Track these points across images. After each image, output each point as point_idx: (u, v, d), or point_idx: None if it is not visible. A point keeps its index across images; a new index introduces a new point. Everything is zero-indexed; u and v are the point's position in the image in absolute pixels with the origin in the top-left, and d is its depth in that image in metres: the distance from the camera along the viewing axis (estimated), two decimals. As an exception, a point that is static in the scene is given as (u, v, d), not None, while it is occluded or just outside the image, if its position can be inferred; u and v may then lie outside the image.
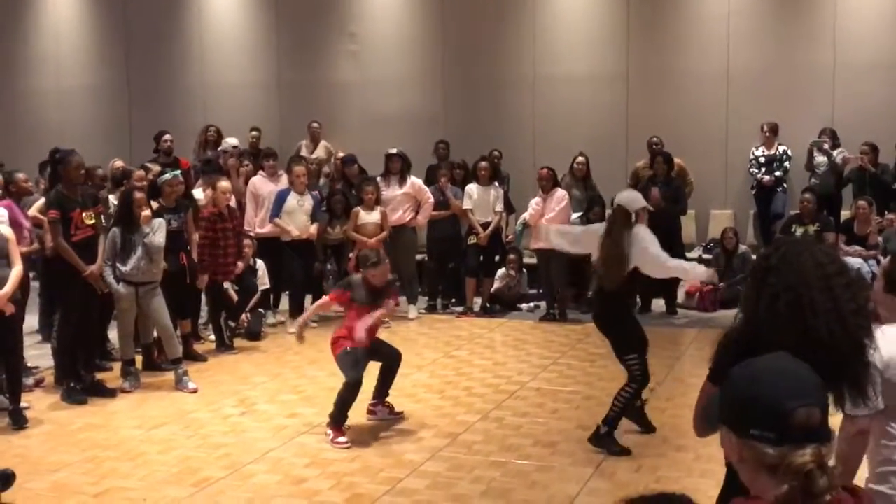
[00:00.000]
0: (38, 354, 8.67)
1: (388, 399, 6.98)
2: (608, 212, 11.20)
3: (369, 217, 10.34)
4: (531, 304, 11.22)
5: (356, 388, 6.50)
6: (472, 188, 10.98)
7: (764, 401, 1.84)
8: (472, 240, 10.90)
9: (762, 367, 1.92)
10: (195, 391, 7.71)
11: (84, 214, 7.50)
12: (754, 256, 11.27)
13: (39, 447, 6.42)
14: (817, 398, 1.87)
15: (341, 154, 12.13)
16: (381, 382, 6.92)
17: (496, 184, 11.16)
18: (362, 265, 6.87)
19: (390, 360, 6.86)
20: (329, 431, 6.46)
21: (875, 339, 2.69)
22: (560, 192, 10.51)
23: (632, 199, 6.39)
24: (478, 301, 11.05)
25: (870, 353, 2.66)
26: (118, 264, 7.68)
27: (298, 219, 10.18)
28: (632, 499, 1.89)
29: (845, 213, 11.10)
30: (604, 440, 6.19)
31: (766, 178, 11.67)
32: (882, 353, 2.93)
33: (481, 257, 10.94)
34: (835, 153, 11.24)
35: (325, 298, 7.47)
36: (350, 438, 6.45)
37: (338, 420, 6.47)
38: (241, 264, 9.39)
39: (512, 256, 11.26)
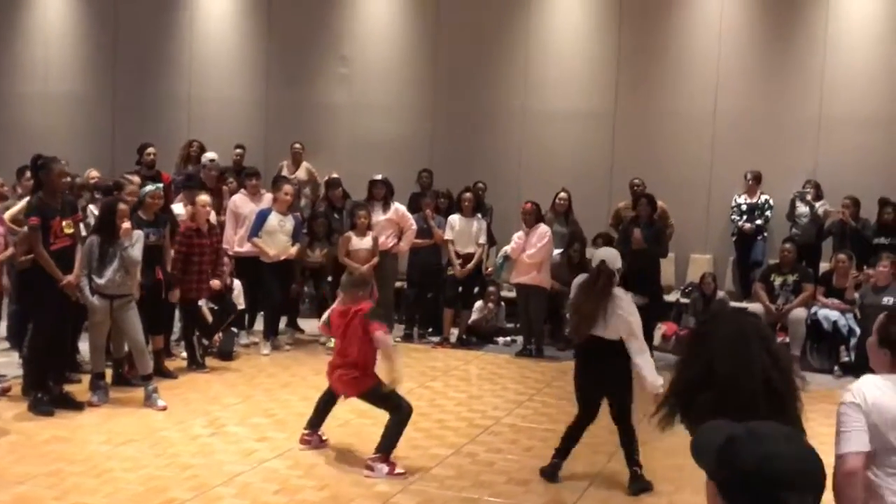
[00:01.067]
0: (5, 362, 8.52)
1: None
2: (589, 250, 11.27)
3: (361, 243, 10.26)
4: (507, 339, 11.18)
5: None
6: (454, 219, 10.96)
7: (763, 485, 1.86)
8: (451, 271, 10.86)
9: (771, 451, 1.89)
10: (164, 409, 7.59)
11: (64, 223, 7.40)
12: (732, 303, 11.33)
13: (3, 458, 6.29)
14: (814, 492, 1.89)
15: (332, 176, 11.94)
16: (322, 412, 6.83)
17: (479, 215, 11.13)
18: (357, 286, 6.72)
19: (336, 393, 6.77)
20: (381, 465, 6.25)
21: (801, 384, 2.81)
22: (543, 228, 10.50)
23: (614, 257, 6.43)
24: (454, 332, 10.99)
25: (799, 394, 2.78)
26: (94, 276, 7.57)
27: (278, 239, 10.10)
28: None
29: (824, 265, 11.15)
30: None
31: (748, 225, 11.72)
32: (867, 398, 3.17)
33: (460, 288, 10.90)
34: (817, 205, 11.32)
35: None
36: (321, 466, 6.36)
37: (390, 451, 6.34)
38: (216, 282, 9.27)
39: (491, 289, 11.23)
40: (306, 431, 6.83)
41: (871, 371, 3.41)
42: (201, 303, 9.15)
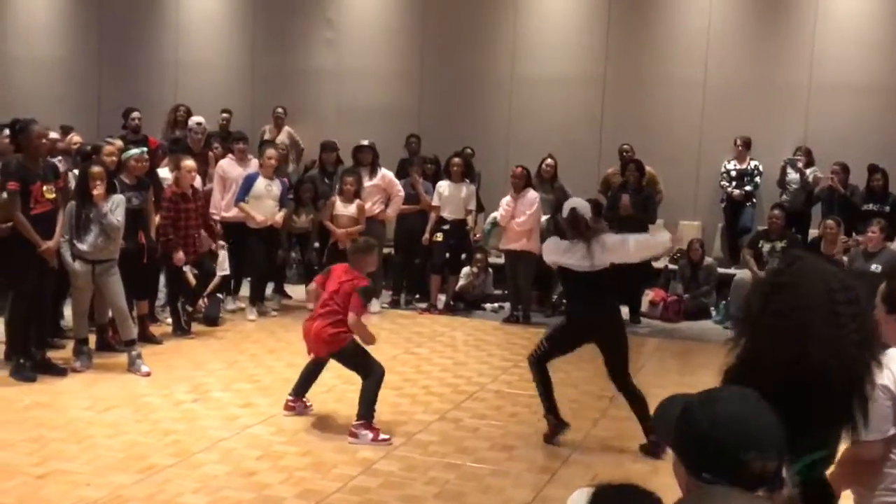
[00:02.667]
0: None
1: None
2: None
3: (345, 209, 10.20)
4: (495, 305, 11.15)
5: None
6: (442, 185, 10.88)
7: (720, 447, 1.78)
8: (439, 237, 10.80)
9: (723, 411, 1.83)
10: (148, 374, 7.55)
11: (45, 188, 7.30)
12: (720, 269, 11.32)
13: (-17, 424, 6.25)
14: (775, 450, 1.81)
15: (328, 140, 11.74)
16: (307, 379, 6.80)
17: (468, 181, 11.06)
18: (364, 251, 6.60)
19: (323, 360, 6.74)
20: (365, 432, 6.23)
21: (878, 370, 2.60)
22: (532, 194, 10.43)
23: (585, 206, 6.50)
24: (442, 298, 10.96)
25: (868, 387, 2.55)
26: (74, 241, 7.50)
27: (265, 204, 10.02)
28: (602, 486, 1.83)
29: (813, 232, 11.12)
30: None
31: (737, 192, 11.68)
32: (894, 375, 2.90)
33: (447, 254, 10.85)
34: (808, 171, 11.27)
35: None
36: (305, 432, 6.34)
37: (371, 416, 6.31)
38: (214, 245, 9.20)
39: (479, 255, 11.18)
40: (290, 398, 6.79)
41: None
42: (186, 268, 9.08)
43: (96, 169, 7.61)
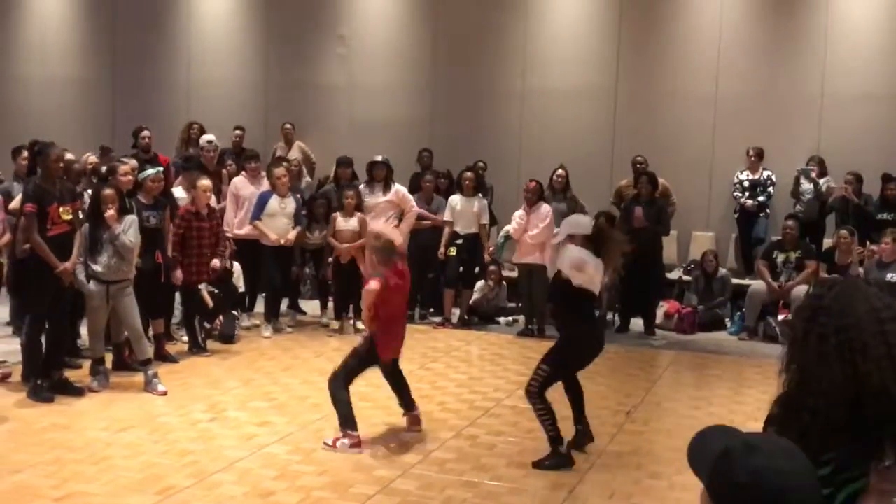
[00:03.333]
0: (7, 350, 8.49)
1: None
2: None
3: (346, 224, 10.23)
4: (509, 318, 11.15)
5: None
6: (455, 199, 10.89)
7: (756, 499, 1.78)
8: (452, 251, 10.80)
9: (765, 465, 1.82)
10: (164, 394, 7.57)
11: (61, 209, 7.35)
12: (734, 280, 11.30)
13: (2, 446, 6.28)
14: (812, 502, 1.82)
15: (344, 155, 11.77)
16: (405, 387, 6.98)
17: (480, 195, 11.07)
18: (381, 251, 6.74)
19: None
20: (341, 441, 6.41)
21: None
22: (545, 208, 10.43)
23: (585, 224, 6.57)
24: (456, 312, 10.96)
25: None
26: (89, 262, 7.54)
27: (279, 222, 10.05)
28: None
29: (828, 242, 11.09)
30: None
31: (750, 202, 11.66)
32: None
33: (461, 268, 10.86)
34: (821, 181, 11.24)
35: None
36: (321, 451, 6.37)
37: (342, 424, 6.51)
38: (216, 262, 9.21)
39: (492, 269, 11.19)
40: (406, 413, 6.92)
41: None
42: (202, 286, 9.11)
43: (108, 191, 7.67)
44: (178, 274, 8.79)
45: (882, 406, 2.40)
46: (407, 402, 6.91)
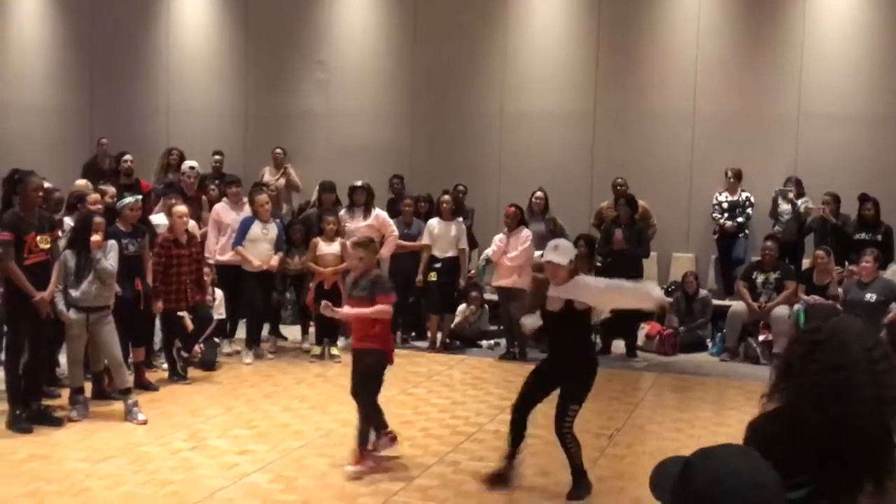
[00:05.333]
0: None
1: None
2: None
3: (328, 248, 10.22)
4: (491, 342, 11.15)
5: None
6: (433, 223, 10.90)
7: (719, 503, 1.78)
8: (432, 276, 10.80)
9: (723, 468, 1.84)
10: (145, 423, 7.51)
11: (39, 238, 7.31)
12: (715, 301, 11.34)
13: (-21, 478, 6.21)
14: (772, 501, 1.81)
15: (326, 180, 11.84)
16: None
17: (459, 219, 11.09)
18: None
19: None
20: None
21: None
22: (525, 232, 10.45)
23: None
24: (439, 336, 10.95)
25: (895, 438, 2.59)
26: (70, 289, 7.50)
27: (261, 247, 10.03)
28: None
29: (806, 262, 11.16)
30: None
31: (729, 223, 11.72)
32: None
33: (441, 292, 10.84)
34: (799, 202, 11.32)
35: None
36: (302, 479, 6.32)
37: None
38: (199, 297, 9.18)
39: (474, 293, 11.19)
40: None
41: None
42: (182, 313, 9.07)
43: (99, 219, 7.70)
44: (159, 304, 8.75)
45: (865, 447, 2.44)
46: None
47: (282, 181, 12.86)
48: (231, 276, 10.10)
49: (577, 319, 6.14)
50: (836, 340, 2.55)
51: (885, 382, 2.50)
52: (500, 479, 6.30)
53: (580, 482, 6.12)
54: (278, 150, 13.10)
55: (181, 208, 9.09)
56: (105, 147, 13.08)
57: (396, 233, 10.79)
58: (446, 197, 11.04)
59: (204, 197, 11.08)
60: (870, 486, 2.62)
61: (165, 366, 9.18)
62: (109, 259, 7.61)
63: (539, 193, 11.31)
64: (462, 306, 11.20)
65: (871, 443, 2.49)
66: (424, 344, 10.99)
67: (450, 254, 10.85)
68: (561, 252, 6.03)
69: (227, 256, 10.14)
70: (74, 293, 7.51)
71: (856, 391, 2.48)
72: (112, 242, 7.79)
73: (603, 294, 6.29)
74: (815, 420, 2.45)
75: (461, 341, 11.08)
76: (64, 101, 14.86)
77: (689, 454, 1.94)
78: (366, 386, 6.61)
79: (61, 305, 7.50)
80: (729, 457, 1.87)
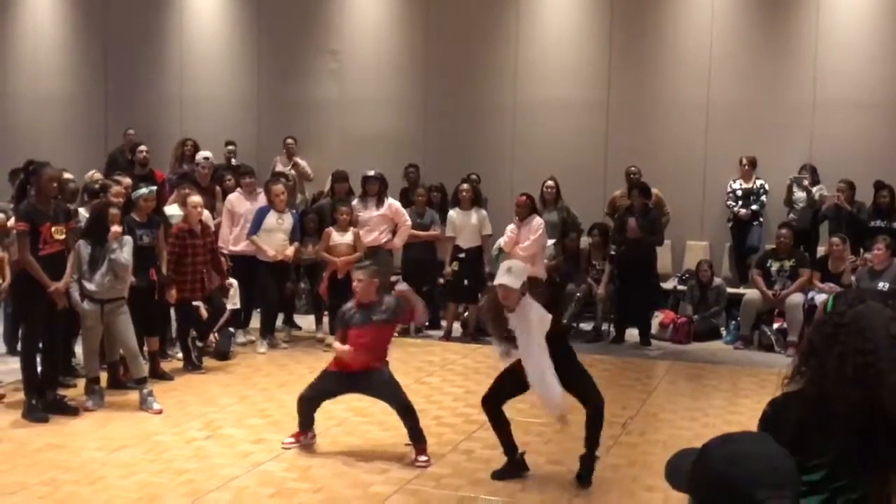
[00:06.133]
0: (2, 370, 8.47)
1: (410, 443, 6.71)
2: (583, 239, 11.24)
3: (342, 238, 10.23)
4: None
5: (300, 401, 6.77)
6: (453, 214, 10.87)
7: (736, 486, 1.79)
8: (455, 265, 10.78)
9: (740, 450, 1.86)
10: (160, 412, 7.56)
11: (54, 229, 7.34)
12: (728, 289, 11.31)
13: (-4, 467, 6.26)
14: (791, 490, 1.82)
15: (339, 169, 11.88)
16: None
17: (477, 207, 11.04)
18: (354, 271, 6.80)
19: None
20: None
21: None
22: (537, 221, 10.40)
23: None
24: (455, 326, 10.95)
25: None
26: (84, 280, 7.54)
27: (276, 237, 10.05)
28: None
29: (821, 250, 11.11)
30: None
31: (743, 211, 11.69)
32: None
33: (465, 282, 10.82)
34: (814, 189, 11.27)
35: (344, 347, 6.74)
36: (317, 468, 6.35)
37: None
38: (218, 283, 9.24)
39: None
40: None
41: None
42: (197, 303, 9.12)
43: (115, 211, 7.75)
44: (173, 293, 8.80)
45: (891, 435, 2.44)
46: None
47: (292, 172, 12.88)
48: (245, 266, 10.13)
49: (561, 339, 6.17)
50: (859, 325, 2.56)
51: None
52: (508, 472, 6.29)
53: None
54: (290, 140, 13.13)
55: (195, 198, 9.12)
56: (131, 138, 13.04)
57: (409, 222, 10.79)
58: (465, 186, 10.99)
59: (218, 187, 11.10)
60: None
61: (180, 355, 9.22)
62: (124, 252, 7.66)
63: (549, 183, 11.28)
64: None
65: None
66: (439, 333, 10.99)
67: (474, 243, 10.81)
68: (514, 274, 5.91)
69: (241, 246, 10.17)
70: (88, 285, 7.56)
71: (879, 377, 2.48)
72: (127, 237, 7.84)
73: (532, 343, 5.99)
74: (839, 404, 2.45)
75: (478, 331, 11.01)
76: (78, 92, 14.92)
77: (703, 444, 1.95)
78: (399, 387, 6.70)
79: (76, 296, 7.55)
80: (745, 441, 1.90)
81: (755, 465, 1.82)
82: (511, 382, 6.27)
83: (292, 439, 6.77)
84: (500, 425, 6.30)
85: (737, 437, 1.90)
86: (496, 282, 6.00)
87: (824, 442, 2.49)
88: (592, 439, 6.18)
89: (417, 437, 6.55)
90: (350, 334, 6.62)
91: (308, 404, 6.76)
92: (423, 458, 6.49)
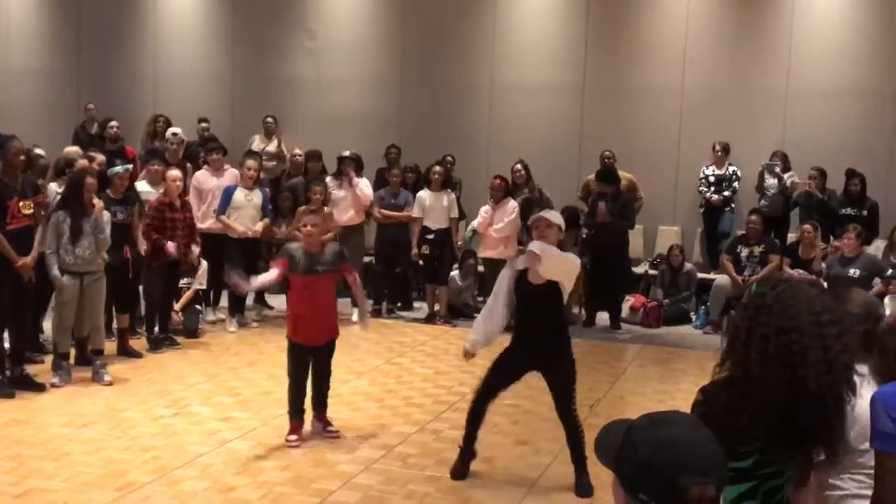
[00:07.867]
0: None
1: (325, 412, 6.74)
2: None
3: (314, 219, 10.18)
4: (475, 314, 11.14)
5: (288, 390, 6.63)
6: (423, 194, 10.87)
7: (660, 470, 1.79)
8: (425, 249, 10.77)
9: (667, 435, 1.85)
10: (110, 384, 7.60)
11: (22, 203, 7.28)
12: (699, 274, 11.38)
13: (-39, 442, 6.22)
14: (715, 476, 1.83)
15: (297, 151, 11.97)
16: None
17: (448, 190, 11.05)
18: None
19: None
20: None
21: (854, 393, 2.63)
22: (511, 203, 10.42)
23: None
24: (435, 307, 10.96)
25: (847, 407, 2.61)
26: (63, 252, 7.49)
27: (245, 214, 10.00)
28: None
29: (792, 237, 11.19)
30: None
31: (715, 197, 11.74)
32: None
33: (436, 263, 10.82)
34: (785, 176, 11.34)
35: (271, 273, 6.80)
36: (284, 447, 6.35)
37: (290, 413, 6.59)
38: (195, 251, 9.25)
39: (471, 262, 11.17)
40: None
41: None
42: (184, 282, 9.16)
43: (91, 180, 7.77)
44: (170, 245, 8.81)
45: (815, 412, 2.46)
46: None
47: (272, 149, 12.82)
48: (214, 244, 10.04)
49: (556, 293, 5.79)
50: (781, 305, 2.57)
51: (834, 346, 2.53)
52: (463, 466, 6.03)
53: (586, 472, 5.85)
54: (269, 119, 13.03)
55: (175, 172, 9.14)
56: (92, 113, 13.05)
57: (371, 200, 10.82)
58: (438, 168, 10.98)
59: (189, 164, 11.02)
60: (821, 454, 2.65)
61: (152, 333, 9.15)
62: (106, 228, 7.78)
63: (517, 166, 11.21)
64: (455, 273, 11.17)
65: (825, 409, 2.52)
66: (411, 315, 10.98)
67: (442, 225, 10.82)
68: (553, 214, 5.91)
69: (209, 224, 10.08)
70: (68, 257, 7.51)
71: (802, 353, 2.50)
72: (106, 212, 7.86)
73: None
74: (764, 384, 2.47)
75: (454, 313, 11.02)
76: (50, 66, 14.76)
77: (629, 424, 1.94)
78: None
79: (55, 270, 7.50)
80: (672, 425, 1.88)
81: (681, 452, 1.82)
82: (510, 373, 5.99)
83: (294, 436, 6.50)
84: (478, 422, 6.01)
85: (665, 419, 1.89)
86: (537, 216, 5.81)
87: (753, 425, 2.50)
88: (576, 455, 5.87)
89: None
90: (294, 281, 6.59)
91: (295, 390, 6.59)
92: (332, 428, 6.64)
